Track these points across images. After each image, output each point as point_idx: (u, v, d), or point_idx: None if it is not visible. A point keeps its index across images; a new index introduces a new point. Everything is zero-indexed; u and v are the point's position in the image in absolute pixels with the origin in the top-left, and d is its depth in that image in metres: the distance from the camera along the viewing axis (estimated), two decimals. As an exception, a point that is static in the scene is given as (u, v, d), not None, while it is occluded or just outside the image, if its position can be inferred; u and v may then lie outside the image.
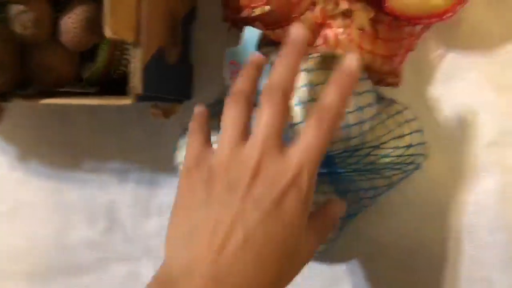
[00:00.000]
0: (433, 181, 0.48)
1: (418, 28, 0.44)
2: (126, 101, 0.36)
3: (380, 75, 0.43)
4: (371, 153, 0.41)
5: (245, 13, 0.43)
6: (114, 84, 0.42)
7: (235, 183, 0.32)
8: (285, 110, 0.33)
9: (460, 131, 0.48)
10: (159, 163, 0.52)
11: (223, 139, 0.33)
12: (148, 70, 0.37)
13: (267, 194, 0.31)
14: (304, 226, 0.32)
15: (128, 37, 0.35)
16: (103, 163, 0.53)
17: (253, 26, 0.44)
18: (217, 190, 0.32)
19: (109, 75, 0.42)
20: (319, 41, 0.43)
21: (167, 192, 0.52)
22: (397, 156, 0.42)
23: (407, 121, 0.44)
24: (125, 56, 0.41)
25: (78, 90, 0.45)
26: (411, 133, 0.43)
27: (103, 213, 0.53)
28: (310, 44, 0.44)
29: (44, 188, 0.54)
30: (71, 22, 0.36)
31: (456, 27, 0.47)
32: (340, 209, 0.38)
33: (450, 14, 0.40)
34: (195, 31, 0.50)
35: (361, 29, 0.42)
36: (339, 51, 0.41)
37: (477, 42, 0.47)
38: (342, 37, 0.42)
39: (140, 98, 0.37)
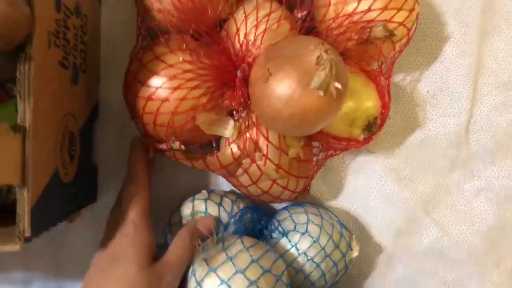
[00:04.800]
0: (348, 275, 0.49)
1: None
2: (13, 248, 0.33)
3: (293, 193, 0.43)
4: None
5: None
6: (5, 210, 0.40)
7: None
8: None
9: (369, 222, 0.49)
10: (65, 269, 0.49)
11: None
12: (40, 205, 0.35)
13: None
14: None
15: (12, 179, 0.33)
16: (3, 274, 0.49)
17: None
18: None
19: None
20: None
21: (74, 300, 0.49)
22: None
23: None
24: (14, 185, 0.38)
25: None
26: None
27: (6, 329, 0.49)
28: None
29: None
30: None
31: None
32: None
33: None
34: (98, 128, 0.48)
35: (296, 158, 0.40)
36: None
37: (381, 136, 0.48)
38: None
39: (32, 239, 0.35)
